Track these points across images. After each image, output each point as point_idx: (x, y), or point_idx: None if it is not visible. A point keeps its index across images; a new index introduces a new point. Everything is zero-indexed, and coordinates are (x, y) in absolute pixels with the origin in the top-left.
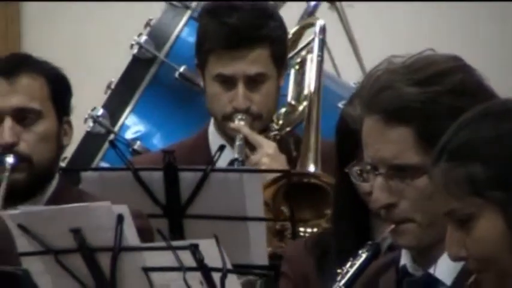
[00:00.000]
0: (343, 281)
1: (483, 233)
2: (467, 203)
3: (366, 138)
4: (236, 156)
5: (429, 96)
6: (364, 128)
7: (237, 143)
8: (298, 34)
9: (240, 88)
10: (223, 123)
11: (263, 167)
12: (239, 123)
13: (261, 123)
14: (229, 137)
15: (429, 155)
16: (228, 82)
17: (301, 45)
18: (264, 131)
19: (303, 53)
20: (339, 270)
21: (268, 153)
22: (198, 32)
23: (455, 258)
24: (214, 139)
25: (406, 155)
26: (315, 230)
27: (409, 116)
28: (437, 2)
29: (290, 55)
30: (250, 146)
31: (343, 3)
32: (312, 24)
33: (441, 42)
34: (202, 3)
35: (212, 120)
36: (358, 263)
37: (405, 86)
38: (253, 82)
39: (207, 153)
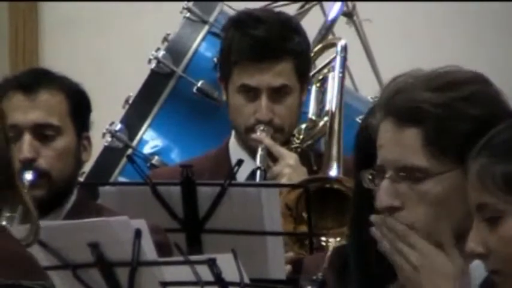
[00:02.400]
0: None
1: (510, 232)
2: (500, 199)
3: (380, 141)
4: (258, 164)
5: (442, 100)
6: (380, 131)
7: (259, 152)
8: (319, 53)
9: (264, 100)
10: (246, 135)
11: (285, 178)
12: (261, 134)
13: (282, 136)
14: (250, 149)
15: (435, 159)
16: (251, 93)
17: (321, 63)
18: (285, 144)
19: (325, 71)
20: None
21: (289, 164)
22: (222, 44)
23: (473, 254)
24: (235, 152)
25: (412, 157)
26: (337, 239)
27: (420, 118)
28: (458, 16)
29: (311, 73)
30: (271, 157)
31: (361, 17)
32: (334, 44)
33: (462, 57)
34: (220, 18)
35: (233, 133)
36: None
37: (421, 90)
38: (276, 94)
39: (227, 166)
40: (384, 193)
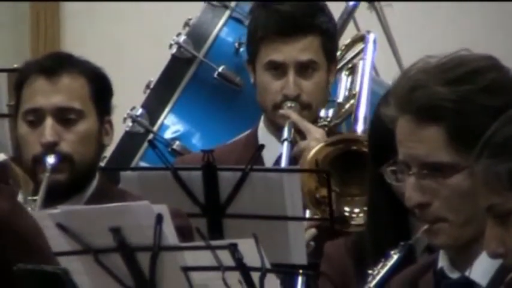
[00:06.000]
0: (373, 282)
1: None
2: (507, 198)
3: (400, 137)
4: (285, 136)
5: (460, 95)
6: (398, 127)
7: (286, 126)
8: (349, 47)
9: (291, 75)
10: (274, 113)
11: (312, 151)
12: (288, 110)
13: (310, 113)
14: (279, 129)
15: (461, 153)
16: (278, 70)
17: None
18: (313, 123)
19: (354, 60)
20: (370, 271)
21: (316, 138)
22: (249, 24)
23: (493, 255)
24: (263, 135)
25: (438, 153)
26: (362, 209)
27: (440, 115)
28: (478, 2)
29: (341, 64)
30: (299, 133)
31: (382, 3)
32: (363, 37)
33: (480, 42)
34: (241, 3)
35: (262, 117)
36: (389, 264)
37: (437, 85)
38: (304, 70)
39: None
40: (412, 190)
